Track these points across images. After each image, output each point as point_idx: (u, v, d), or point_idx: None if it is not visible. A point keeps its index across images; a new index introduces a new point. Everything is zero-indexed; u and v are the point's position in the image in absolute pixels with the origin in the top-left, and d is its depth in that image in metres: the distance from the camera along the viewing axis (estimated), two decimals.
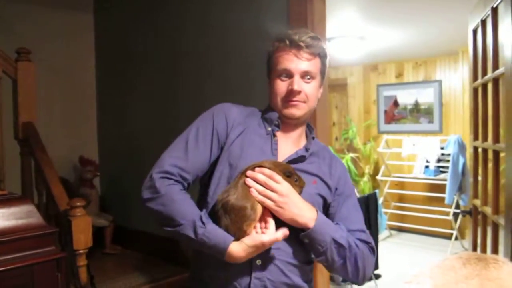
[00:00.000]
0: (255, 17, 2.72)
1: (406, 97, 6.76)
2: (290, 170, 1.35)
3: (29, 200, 2.01)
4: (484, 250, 2.41)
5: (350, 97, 7.31)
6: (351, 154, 6.73)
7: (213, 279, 1.39)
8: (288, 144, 1.49)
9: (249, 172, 1.31)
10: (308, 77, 1.44)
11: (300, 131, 1.52)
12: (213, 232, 1.29)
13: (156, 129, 3.50)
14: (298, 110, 1.45)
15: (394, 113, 6.89)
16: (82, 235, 2.23)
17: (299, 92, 1.42)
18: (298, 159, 1.46)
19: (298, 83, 1.42)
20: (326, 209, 1.48)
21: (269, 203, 1.29)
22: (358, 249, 1.39)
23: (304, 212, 1.32)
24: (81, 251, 2.25)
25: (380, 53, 6.08)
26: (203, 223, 1.30)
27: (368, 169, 6.86)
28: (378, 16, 4.18)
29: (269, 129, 1.48)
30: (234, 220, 1.29)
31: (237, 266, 1.32)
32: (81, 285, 2.27)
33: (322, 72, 1.50)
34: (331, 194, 1.48)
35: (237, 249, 1.28)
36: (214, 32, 3.04)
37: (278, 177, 1.31)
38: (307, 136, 1.55)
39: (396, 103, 6.86)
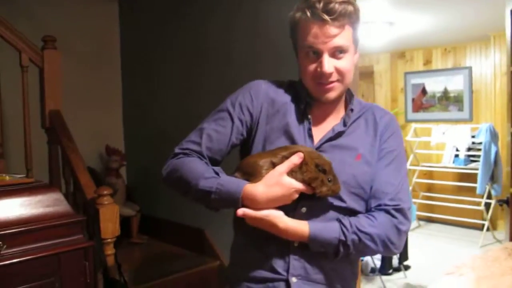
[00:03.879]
0: (277, 5, 2.65)
1: (434, 85, 6.60)
2: (326, 168, 1.21)
3: (57, 188, 2.00)
4: None
5: (377, 85, 7.18)
6: None
7: (250, 260, 1.31)
8: (326, 119, 1.34)
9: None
10: (340, 52, 1.24)
11: (338, 102, 1.36)
12: (226, 179, 1.23)
13: (182, 117, 3.47)
14: (332, 92, 1.28)
15: (422, 101, 6.74)
16: (109, 223, 2.21)
17: (330, 74, 1.24)
18: (335, 136, 1.31)
19: (328, 63, 1.23)
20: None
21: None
22: (372, 229, 1.23)
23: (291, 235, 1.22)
24: (108, 240, 2.24)
25: (408, 39, 5.93)
26: (216, 173, 1.25)
27: None
28: (407, 0, 4.06)
29: (302, 107, 1.33)
30: (246, 172, 1.25)
31: (275, 248, 1.25)
32: (108, 274, 2.26)
33: (356, 39, 1.29)
34: (376, 159, 1.31)
35: (252, 186, 1.20)
36: (236, 20, 2.98)
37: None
38: (347, 103, 1.38)
39: (424, 91, 6.71)
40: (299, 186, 1.21)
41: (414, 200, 6.09)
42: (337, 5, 1.20)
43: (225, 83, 3.06)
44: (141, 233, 3.79)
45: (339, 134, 1.31)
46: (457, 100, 6.40)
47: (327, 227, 1.22)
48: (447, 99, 6.50)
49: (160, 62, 3.77)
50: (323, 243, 1.22)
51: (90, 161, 3.73)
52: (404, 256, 4.47)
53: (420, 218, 6.36)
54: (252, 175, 1.24)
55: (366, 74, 7.12)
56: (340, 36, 1.23)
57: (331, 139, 1.31)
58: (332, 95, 1.29)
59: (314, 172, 1.21)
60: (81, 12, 3.94)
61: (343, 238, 1.21)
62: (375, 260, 4.42)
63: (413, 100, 6.83)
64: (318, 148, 1.30)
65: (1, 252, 1.67)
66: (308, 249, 1.24)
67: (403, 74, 6.90)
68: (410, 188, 6.19)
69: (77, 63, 3.83)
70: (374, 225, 1.22)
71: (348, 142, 1.31)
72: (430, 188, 6.43)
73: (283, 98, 1.36)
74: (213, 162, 1.33)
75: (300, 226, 1.22)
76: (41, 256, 1.75)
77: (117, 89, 4.24)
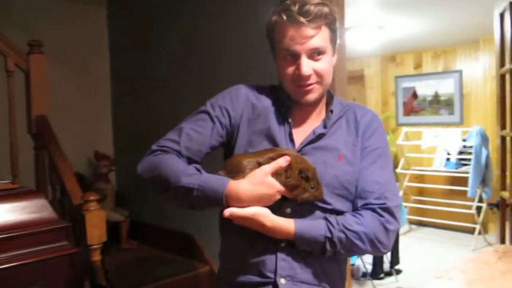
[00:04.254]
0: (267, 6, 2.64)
1: (425, 89, 6.63)
2: (309, 175, 1.20)
3: (42, 194, 1.98)
4: None
5: (368, 88, 7.19)
6: None
7: (238, 264, 1.29)
8: (306, 122, 1.34)
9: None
10: (317, 53, 1.24)
11: (319, 103, 1.35)
12: (209, 176, 1.22)
13: (172, 122, 3.44)
14: (312, 94, 1.28)
15: (413, 105, 6.76)
16: (96, 229, 2.18)
17: (309, 76, 1.24)
18: (316, 139, 1.30)
19: (306, 65, 1.23)
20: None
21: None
22: (358, 227, 1.21)
23: (276, 233, 1.22)
24: (95, 246, 2.21)
25: (398, 43, 5.96)
26: (198, 170, 1.24)
27: None
28: (397, 3, 4.07)
29: (283, 110, 1.33)
30: (230, 171, 1.24)
31: (262, 248, 1.24)
32: (96, 281, 2.23)
33: (333, 40, 1.28)
34: (359, 158, 1.30)
35: (236, 183, 1.19)
36: (225, 22, 2.97)
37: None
38: (328, 104, 1.36)
39: (415, 95, 6.74)
40: (282, 188, 1.20)
41: (405, 203, 6.09)
42: (312, 7, 1.20)
43: (215, 86, 3.03)
44: (131, 239, 3.76)
45: (320, 136, 1.31)
46: (448, 104, 6.42)
47: (313, 225, 1.22)
48: (437, 103, 6.53)
49: (149, 67, 3.75)
50: (309, 240, 1.21)
51: (79, 167, 3.70)
52: (395, 260, 4.47)
53: (411, 222, 6.36)
54: (235, 174, 1.23)
55: (357, 77, 7.13)
56: (316, 37, 1.23)
57: (312, 141, 1.30)
58: (311, 97, 1.29)
59: (297, 179, 1.20)
60: (68, 16, 3.91)
61: (329, 235, 1.20)
62: (366, 265, 4.40)
63: (404, 103, 6.85)
64: (299, 151, 1.29)
65: None
66: (295, 248, 1.23)
67: (394, 78, 6.92)
68: (401, 192, 6.19)
69: (66, 68, 3.80)
70: (361, 223, 1.21)
71: (329, 143, 1.30)
72: (421, 191, 6.43)
73: (264, 102, 1.36)
74: (191, 162, 1.32)
75: (286, 224, 1.21)
76: (26, 263, 1.72)
77: (106, 94, 4.21)
